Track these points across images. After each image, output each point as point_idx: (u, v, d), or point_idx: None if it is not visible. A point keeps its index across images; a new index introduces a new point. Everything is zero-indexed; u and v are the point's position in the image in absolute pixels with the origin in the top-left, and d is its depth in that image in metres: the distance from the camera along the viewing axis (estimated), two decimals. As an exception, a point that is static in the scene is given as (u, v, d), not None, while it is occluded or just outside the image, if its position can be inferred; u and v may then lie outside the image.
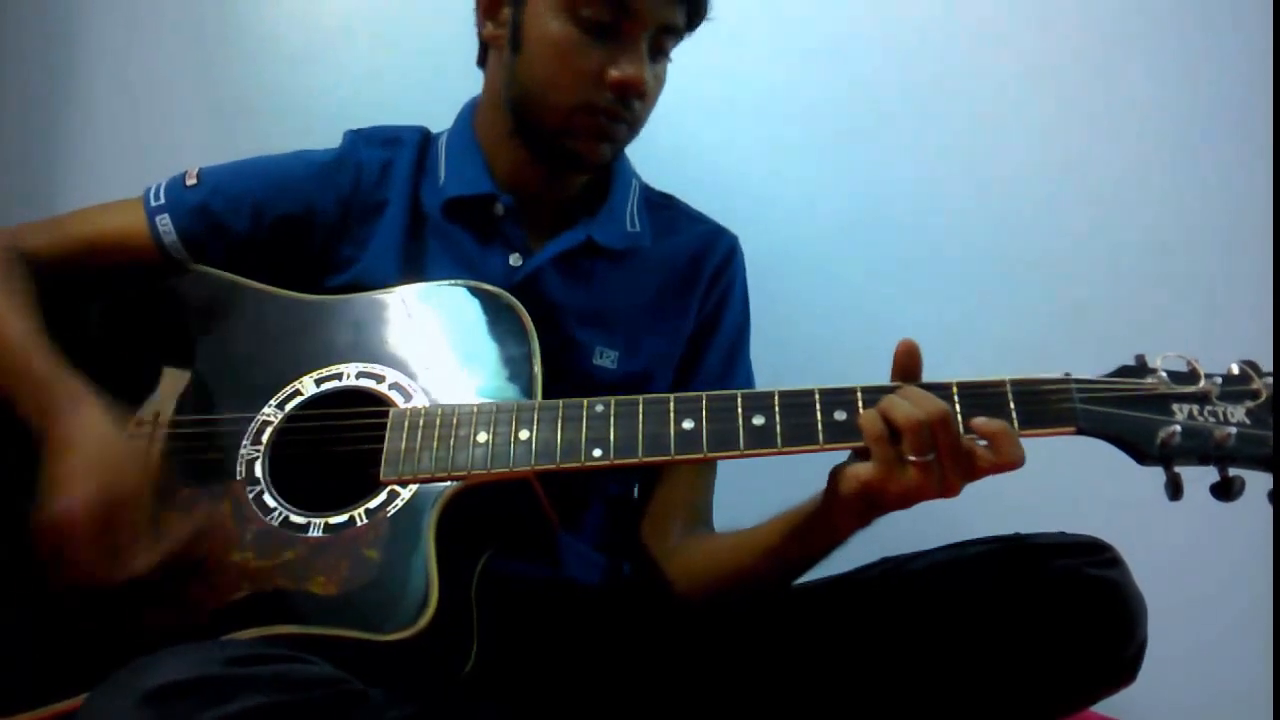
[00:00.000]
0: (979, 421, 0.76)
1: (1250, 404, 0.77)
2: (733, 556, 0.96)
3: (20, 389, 0.87)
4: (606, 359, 1.03)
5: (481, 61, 1.06)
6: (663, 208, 1.13)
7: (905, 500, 0.77)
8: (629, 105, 0.96)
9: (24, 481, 0.84)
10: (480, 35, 1.04)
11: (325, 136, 1.08)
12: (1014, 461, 0.75)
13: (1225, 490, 0.75)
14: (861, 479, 0.78)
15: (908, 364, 0.81)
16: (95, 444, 0.83)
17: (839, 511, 0.82)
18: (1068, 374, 0.80)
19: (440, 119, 1.10)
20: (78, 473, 0.81)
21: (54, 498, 0.81)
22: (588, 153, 0.98)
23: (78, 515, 0.79)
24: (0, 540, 0.88)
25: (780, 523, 0.90)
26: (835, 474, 0.81)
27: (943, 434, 0.75)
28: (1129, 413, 0.77)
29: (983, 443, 0.76)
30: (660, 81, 1.00)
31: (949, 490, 0.76)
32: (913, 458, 0.75)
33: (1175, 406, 0.77)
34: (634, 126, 1.00)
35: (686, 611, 0.99)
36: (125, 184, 1.04)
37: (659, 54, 0.98)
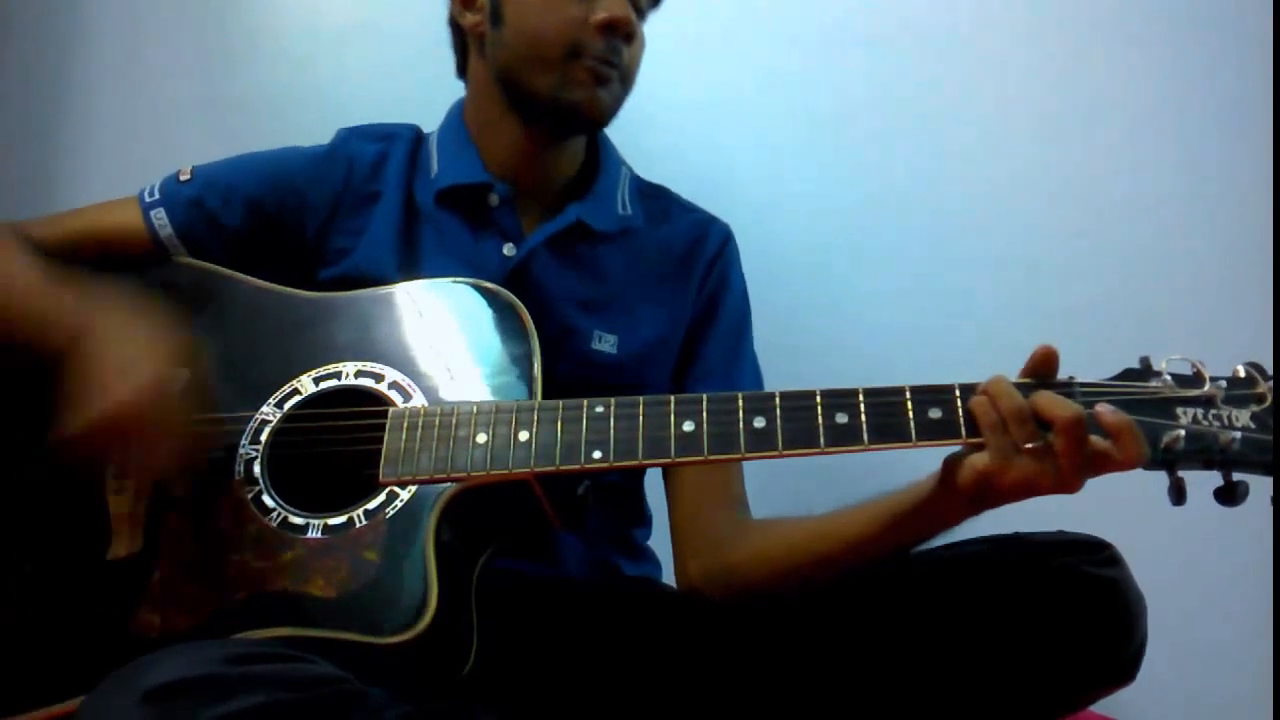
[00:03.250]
0: (1103, 410, 0.74)
1: (1255, 408, 0.76)
2: (812, 544, 0.93)
3: (34, 321, 0.85)
4: (606, 343, 1.03)
5: (461, 71, 1.08)
6: (655, 197, 1.13)
7: (1022, 490, 0.76)
8: (618, 50, 0.97)
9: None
10: (462, 27, 1.05)
11: (324, 135, 1.08)
12: (1136, 459, 0.74)
13: (1229, 495, 0.75)
14: (978, 469, 0.76)
15: (1041, 369, 0.79)
16: (129, 345, 0.82)
17: (953, 501, 0.80)
18: (1072, 377, 0.79)
19: (439, 119, 1.10)
20: (124, 369, 0.80)
21: (102, 399, 0.78)
22: (586, 101, 0.98)
23: (153, 386, 0.79)
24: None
25: (876, 511, 0.87)
26: (949, 464, 0.80)
27: (1072, 432, 0.73)
28: (1133, 416, 0.76)
29: (1104, 444, 0.74)
30: (641, 43, 1.02)
31: (1066, 483, 0.74)
32: (1028, 445, 0.74)
33: (1179, 410, 0.76)
34: (625, 79, 1.01)
35: (750, 598, 0.96)
36: (126, 183, 1.04)
37: (636, 11, 0.99)
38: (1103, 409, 0.75)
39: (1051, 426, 0.74)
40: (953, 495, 0.79)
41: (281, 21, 1.39)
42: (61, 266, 0.89)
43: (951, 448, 0.80)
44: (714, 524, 1.02)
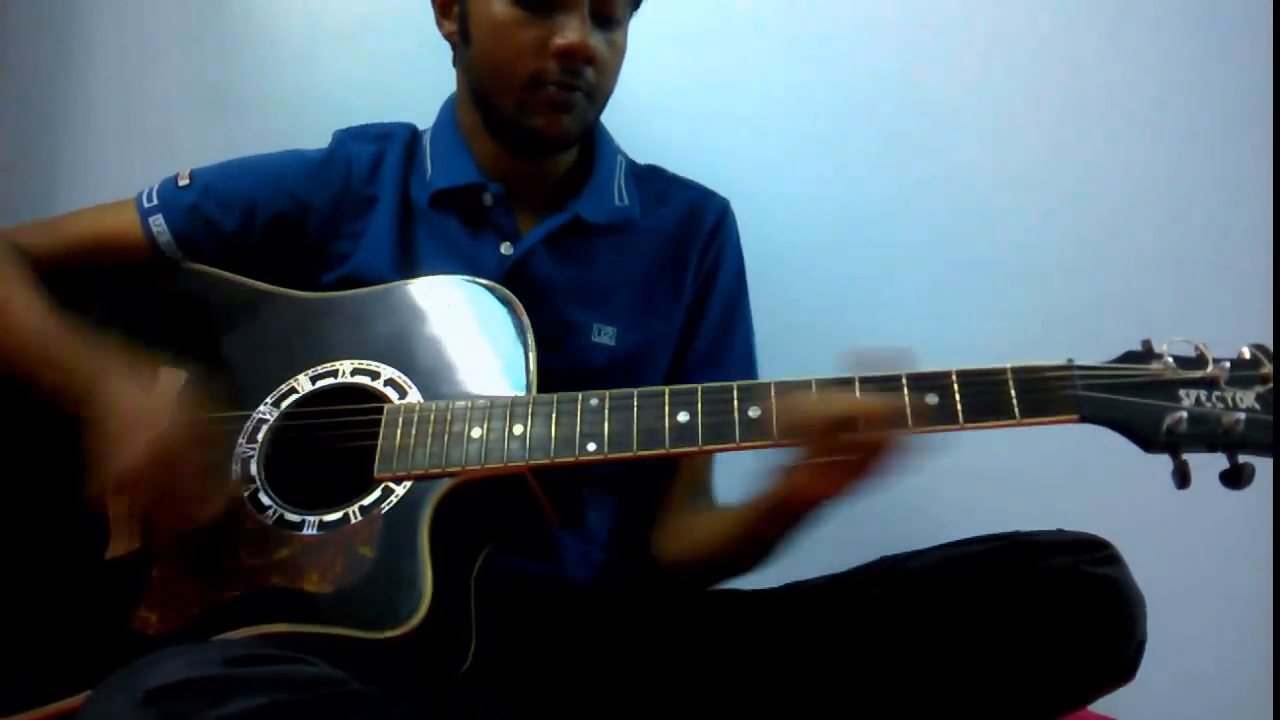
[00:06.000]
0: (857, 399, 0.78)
1: (1260, 389, 0.75)
2: (712, 533, 0.98)
3: (52, 372, 0.88)
4: (605, 336, 1.03)
5: (455, 63, 1.07)
6: (651, 179, 1.12)
7: (803, 495, 0.80)
8: (580, 73, 0.96)
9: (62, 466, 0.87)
10: (443, 37, 1.05)
11: (322, 136, 1.08)
12: (884, 443, 0.76)
13: (1235, 478, 0.73)
14: (780, 473, 0.80)
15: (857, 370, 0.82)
16: (142, 398, 0.85)
17: (772, 504, 0.84)
18: (1070, 360, 0.78)
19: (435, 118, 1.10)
20: (138, 423, 0.82)
21: (119, 451, 0.81)
22: (548, 128, 0.97)
23: (150, 459, 0.80)
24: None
25: (741, 509, 0.91)
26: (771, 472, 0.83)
27: (847, 435, 0.76)
28: (1134, 399, 0.75)
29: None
30: (618, 50, 1.00)
31: (829, 485, 0.78)
32: (824, 457, 0.77)
33: (1182, 392, 0.75)
34: (593, 96, 0.99)
35: (674, 585, 1.00)
36: (124, 184, 1.04)
37: (608, 21, 0.97)
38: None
39: (843, 429, 0.76)
40: (769, 499, 0.84)
41: (280, 21, 1.39)
42: (65, 317, 0.91)
43: (944, 434, 0.78)
44: (670, 511, 1.04)
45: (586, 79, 0.96)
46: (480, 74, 0.99)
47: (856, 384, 0.79)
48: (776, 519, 0.87)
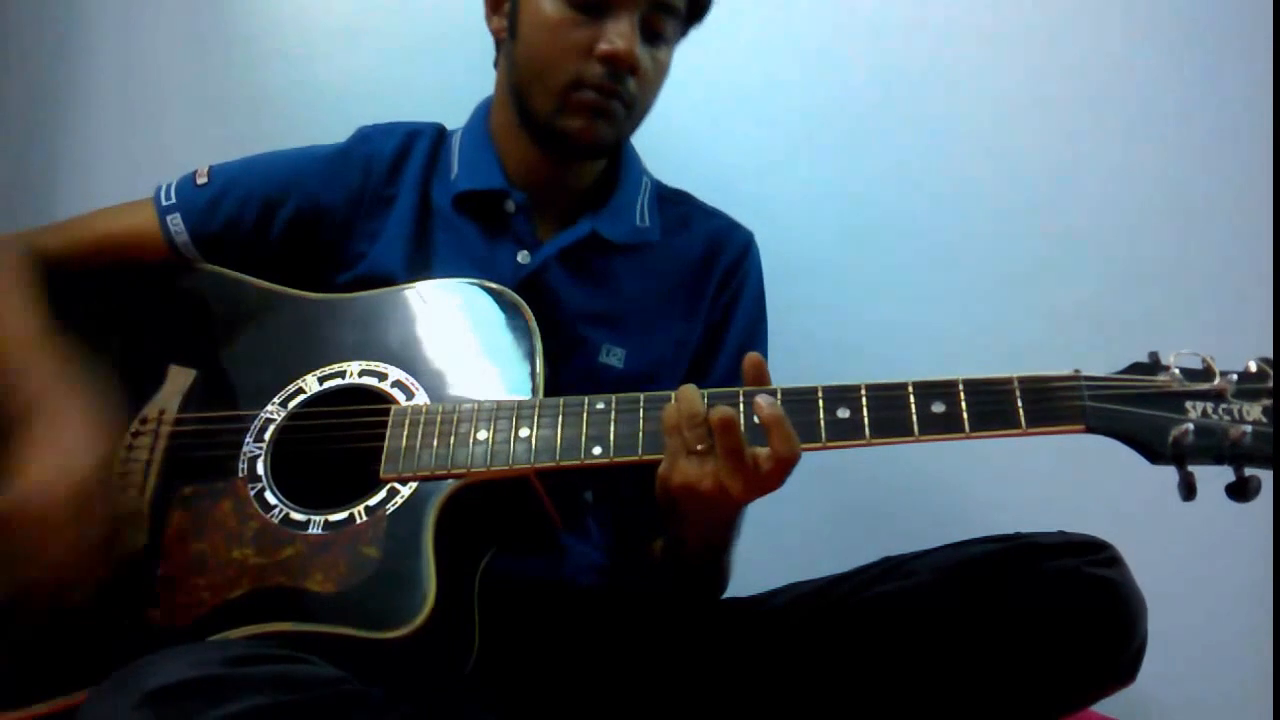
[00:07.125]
0: (760, 400, 0.77)
1: (1267, 402, 0.75)
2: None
3: (20, 385, 0.84)
4: (613, 357, 1.02)
5: (496, 63, 1.07)
6: (676, 204, 1.12)
7: (687, 493, 0.78)
8: (622, 81, 0.95)
9: None
10: (491, 32, 1.05)
11: (329, 136, 1.08)
12: (785, 453, 0.75)
13: (1241, 491, 0.73)
14: (658, 474, 0.81)
15: (751, 377, 0.82)
16: (81, 438, 0.81)
17: (660, 496, 0.83)
18: (1077, 371, 0.78)
19: (444, 118, 1.10)
20: (60, 460, 0.78)
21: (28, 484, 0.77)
22: (583, 131, 0.97)
23: (53, 499, 0.76)
24: None
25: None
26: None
27: (721, 434, 0.76)
28: (1140, 411, 0.75)
29: (764, 451, 0.76)
30: (661, 67, 1.00)
31: (723, 484, 0.77)
32: (698, 448, 0.77)
33: (1188, 404, 0.75)
34: (632, 108, 0.98)
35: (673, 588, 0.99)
36: (126, 184, 1.05)
37: (656, 37, 0.97)
38: (760, 399, 0.77)
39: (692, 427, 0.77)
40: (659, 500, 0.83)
41: (284, 19, 1.40)
42: (53, 329, 0.89)
43: (954, 442, 0.78)
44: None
45: (628, 88, 0.96)
46: (523, 71, 0.98)
47: (864, 390, 0.80)
48: (671, 515, 0.86)
